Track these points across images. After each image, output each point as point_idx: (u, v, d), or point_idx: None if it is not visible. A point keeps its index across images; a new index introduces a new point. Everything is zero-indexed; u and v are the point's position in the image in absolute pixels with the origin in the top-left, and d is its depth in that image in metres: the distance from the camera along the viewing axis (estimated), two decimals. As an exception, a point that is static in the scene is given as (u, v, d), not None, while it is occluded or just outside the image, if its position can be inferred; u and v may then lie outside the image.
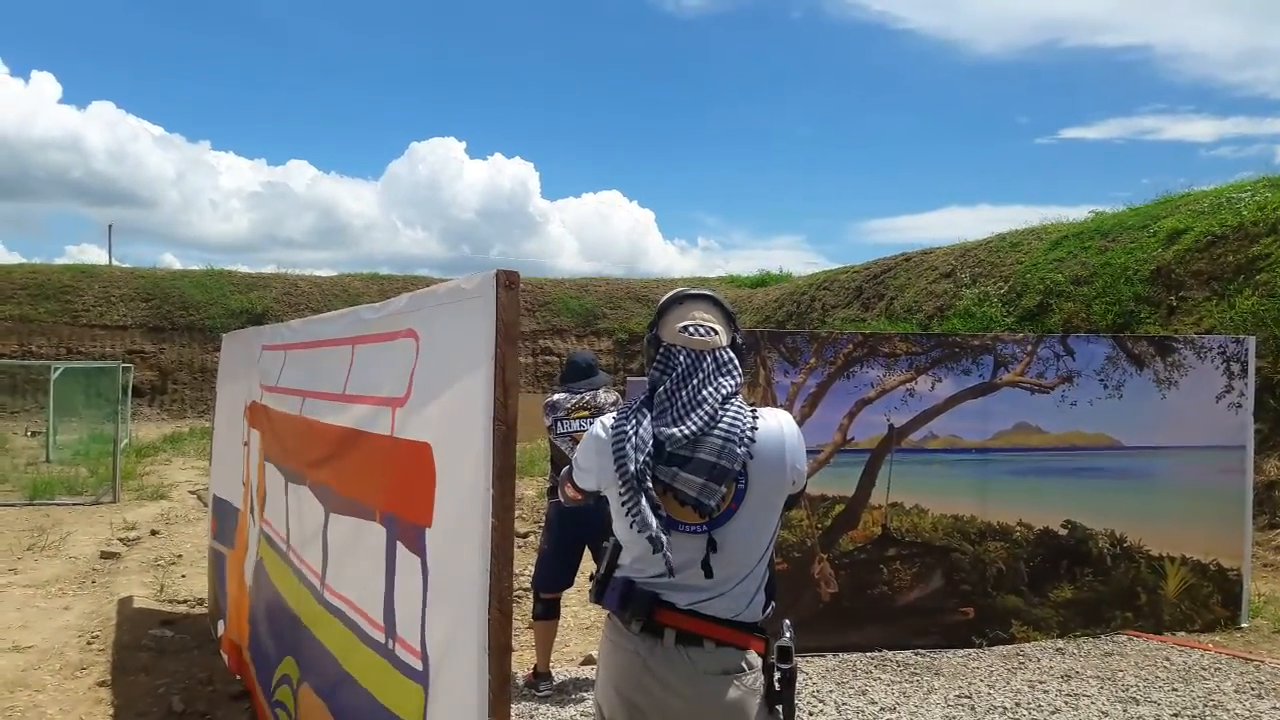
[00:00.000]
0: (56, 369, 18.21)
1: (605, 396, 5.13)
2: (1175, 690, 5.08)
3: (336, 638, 2.97)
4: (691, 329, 2.24)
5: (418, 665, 2.32)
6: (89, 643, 5.93)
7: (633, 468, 2.11)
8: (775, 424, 2.22)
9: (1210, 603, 6.27)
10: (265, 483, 4.44)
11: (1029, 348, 6.13)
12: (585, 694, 4.93)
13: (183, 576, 7.82)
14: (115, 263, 35.53)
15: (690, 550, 2.13)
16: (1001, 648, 5.81)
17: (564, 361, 5.47)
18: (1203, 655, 5.69)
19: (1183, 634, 6.11)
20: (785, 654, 2.16)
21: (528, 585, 5.35)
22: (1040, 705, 4.88)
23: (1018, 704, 4.89)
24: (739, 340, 2.31)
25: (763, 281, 32.51)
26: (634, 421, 2.18)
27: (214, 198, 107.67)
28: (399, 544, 2.47)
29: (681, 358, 2.22)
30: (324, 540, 3.24)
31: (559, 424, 5.05)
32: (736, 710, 2.12)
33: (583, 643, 5.92)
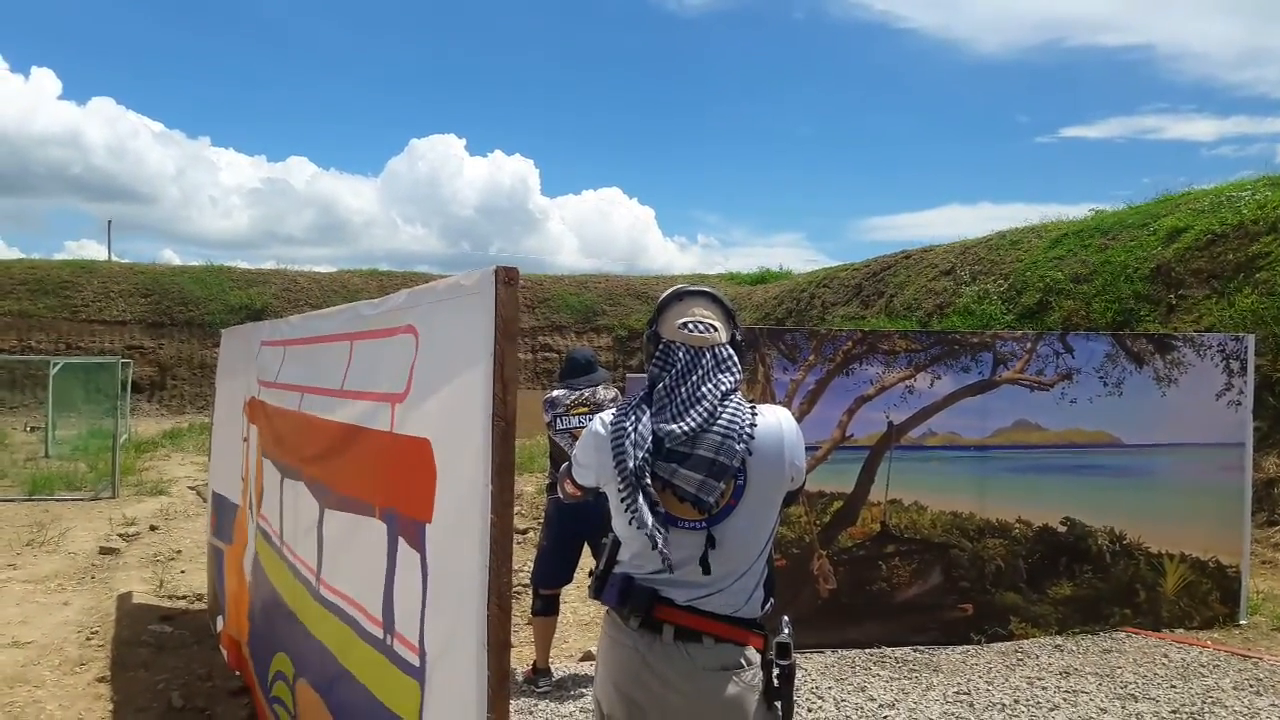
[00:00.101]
0: (56, 364, 18.20)
1: (604, 393, 5.13)
2: (1174, 687, 5.09)
3: (333, 633, 2.97)
4: (691, 326, 2.24)
5: (415, 661, 2.32)
6: (88, 638, 5.93)
7: (632, 464, 2.11)
8: (774, 421, 2.22)
9: (1209, 600, 6.28)
10: (262, 478, 4.44)
11: (1028, 345, 6.13)
12: (584, 690, 4.94)
13: (182, 572, 7.83)
14: (115, 258, 35.53)
15: (689, 546, 2.13)
16: (1000, 644, 5.82)
17: (563, 358, 5.47)
18: (1201, 652, 5.70)
19: (1181, 631, 6.12)
20: (784, 650, 2.16)
21: (527, 581, 5.36)
22: (1039, 702, 4.88)
23: (1016, 701, 4.89)
24: (738, 337, 2.31)
25: (762, 279, 32.51)
26: (633, 418, 2.18)
27: (214, 194, 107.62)
28: (400, 540, 2.47)
29: (681, 354, 2.22)
30: (319, 536, 3.24)
31: (558, 420, 5.05)
32: (735, 706, 2.12)
33: (582, 639, 5.93)
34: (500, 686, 1.99)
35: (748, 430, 2.15)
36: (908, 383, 5.90)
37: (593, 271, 37.20)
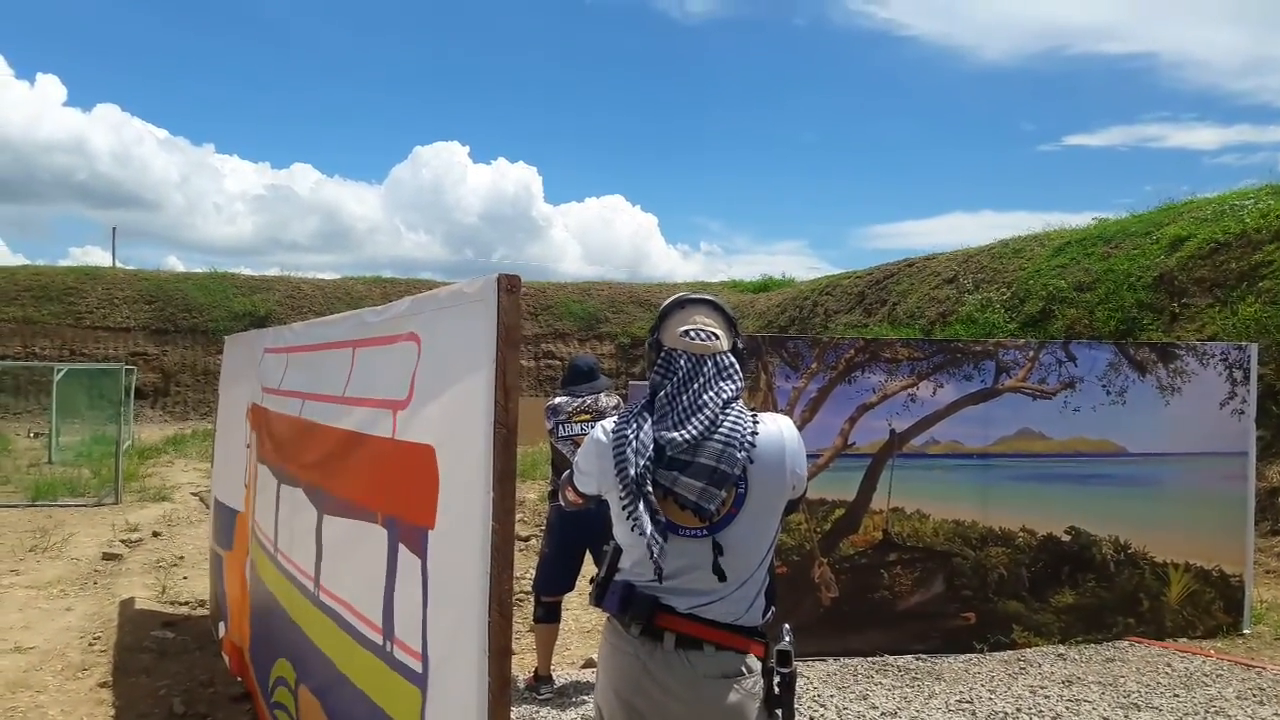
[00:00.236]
0: (59, 370, 18.23)
1: (607, 400, 5.14)
2: (1177, 696, 5.07)
3: (332, 639, 2.97)
4: (693, 333, 2.24)
5: (417, 667, 2.32)
6: (90, 644, 5.94)
7: (633, 472, 2.11)
8: (775, 429, 2.22)
9: (1212, 609, 6.26)
10: (258, 484, 4.46)
11: (1031, 353, 6.13)
12: (586, 697, 4.93)
13: (184, 578, 7.83)
14: (119, 265, 35.63)
15: (690, 554, 2.14)
16: (1003, 653, 5.81)
17: (566, 365, 5.48)
18: (1204, 661, 5.68)
19: (1184, 640, 6.10)
20: (785, 658, 2.16)
21: (529, 588, 5.36)
22: (1041, 710, 4.87)
23: (1019, 709, 4.88)
24: (740, 345, 2.32)
25: (765, 286, 32.53)
26: (635, 426, 2.18)
27: (218, 201, 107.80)
28: (401, 546, 2.47)
29: (682, 362, 2.23)
30: (318, 542, 3.25)
31: (560, 427, 5.06)
32: (736, 714, 2.12)
33: (584, 646, 5.92)
34: (501, 693, 1.99)
35: (749, 438, 2.15)
36: (910, 391, 5.90)
37: (595, 279, 37.33)
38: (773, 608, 2.24)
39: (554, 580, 5.06)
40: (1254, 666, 5.59)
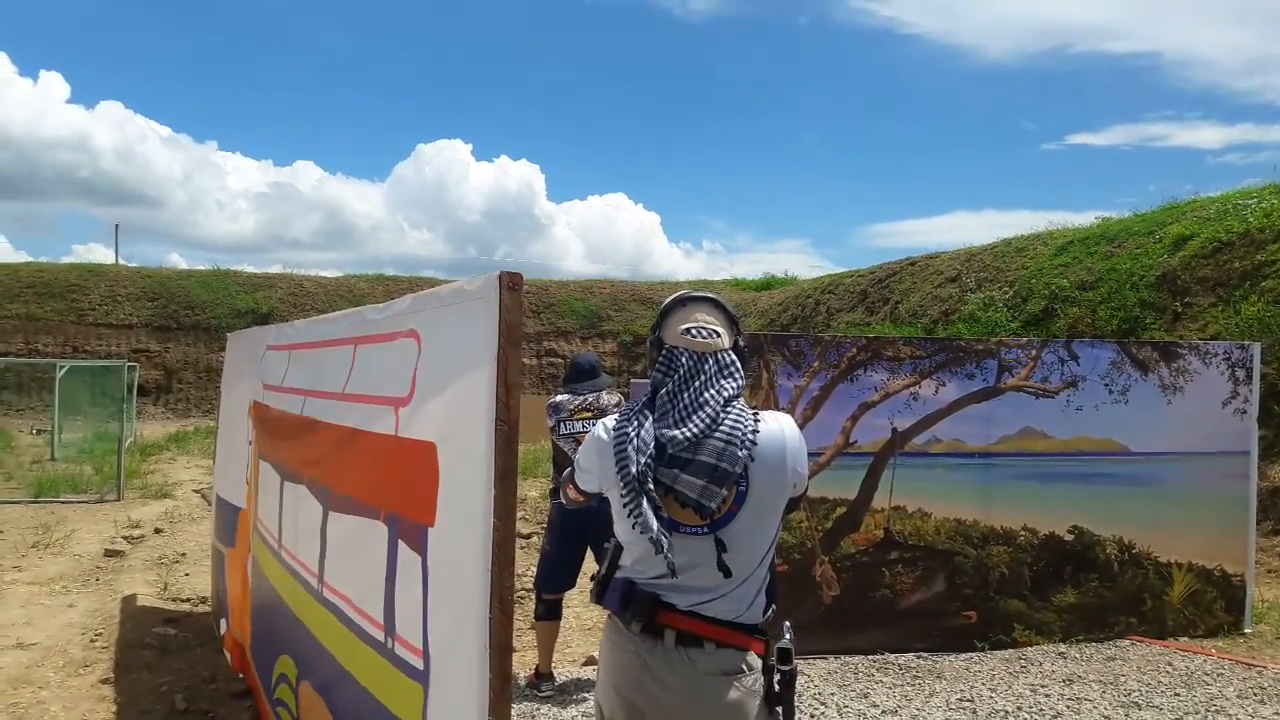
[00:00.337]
0: (62, 367, 18.25)
1: (608, 398, 5.14)
2: (1178, 695, 5.07)
3: (334, 635, 2.97)
4: (694, 331, 2.25)
5: (418, 664, 2.32)
6: (92, 640, 5.95)
7: (634, 469, 2.12)
8: (776, 427, 2.23)
9: (1214, 608, 6.26)
10: (260, 480, 4.46)
11: (1033, 352, 6.13)
12: (587, 695, 4.94)
13: (186, 575, 7.84)
14: (122, 262, 35.60)
15: (692, 552, 2.14)
16: (1003, 651, 5.81)
17: (568, 363, 5.48)
18: (1205, 660, 5.68)
19: (1186, 639, 6.10)
20: (785, 655, 2.17)
21: (530, 586, 5.36)
22: (1042, 709, 4.87)
23: (1019, 708, 4.88)
24: (741, 343, 2.32)
25: (767, 285, 32.50)
26: (636, 423, 2.18)
27: (220, 198, 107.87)
28: (401, 543, 2.47)
29: (684, 360, 2.23)
30: (322, 538, 3.25)
31: (562, 425, 5.06)
32: (736, 711, 2.12)
33: (585, 644, 5.93)
34: (502, 690, 1.99)
35: (750, 436, 2.15)
36: (912, 389, 5.89)
37: (598, 277, 37.26)
38: (773, 605, 2.24)
39: (555, 578, 5.06)
40: (1255, 665, 5.59)
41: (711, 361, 2.23)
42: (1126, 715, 4.81)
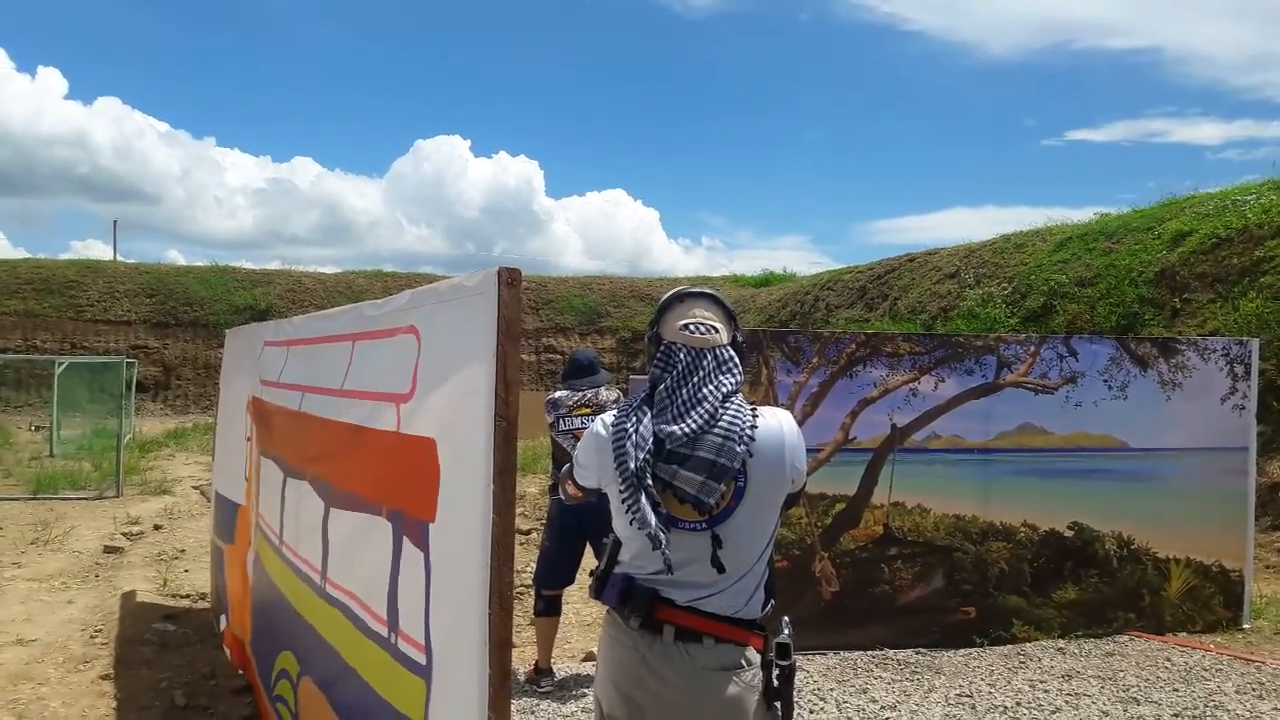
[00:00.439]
0: (61, 364, 18.25)
1: (607, 394, 5.14)
2: (1176, 691, 5.08)
3: (338, 631, 2.97)
4: (692, 327, 2.24)
5: (421, 659, 2.32)
6: (92, 636, 5.95)
7: (633, 465, 2.12)
8: (775, 423, 2.23)
9: (1212, 604, 6.27)
10: (262, 477, 4.46)
11: (1032, 348, 6.13)
12: (586, 690, 4.94)
13: (185, 571, 7.85)
14: (120, 258, 35.61)
15: (690, 547, 2.14)
16: (1002, 647, 5.81)
17: (566, 359, 5.48)
18: (1204, 656, 5.69)
19: (1184, 635, 6.11)
20: (784, 650, 2.17)
21: (529, 582, 5.36)
22: (1041, 704, 4.88)
23: (1018, 703, 4.89)
24: (739, 339, 2.32)
25: (767, 281, 32.51)
26: (634, 419, 2.18)
27: (219, 194, 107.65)
28: (404, 539, 2.48)
29: (682, 355, 2.23)
30: (324, 534, 3.25)
31: (561, 421, 5.06)
32: (735, 706, 2.12)
33: (584, 639, 5.93)
34: (502, 686, 1.99)
35: (748, 432, 2.15)
36: (911, 386, 5.90)
37: (597, 273, 37.25)
38: (772, 601, 2.25)
39: (554, 574, 5.07)
40: (1253, 661, 5.60)
41: (710, 357, 2.23)
42: (1125, 711, 4.81)
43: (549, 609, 5.10)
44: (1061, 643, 5.91)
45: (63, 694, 4.96)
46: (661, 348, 2.26)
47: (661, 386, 2.22)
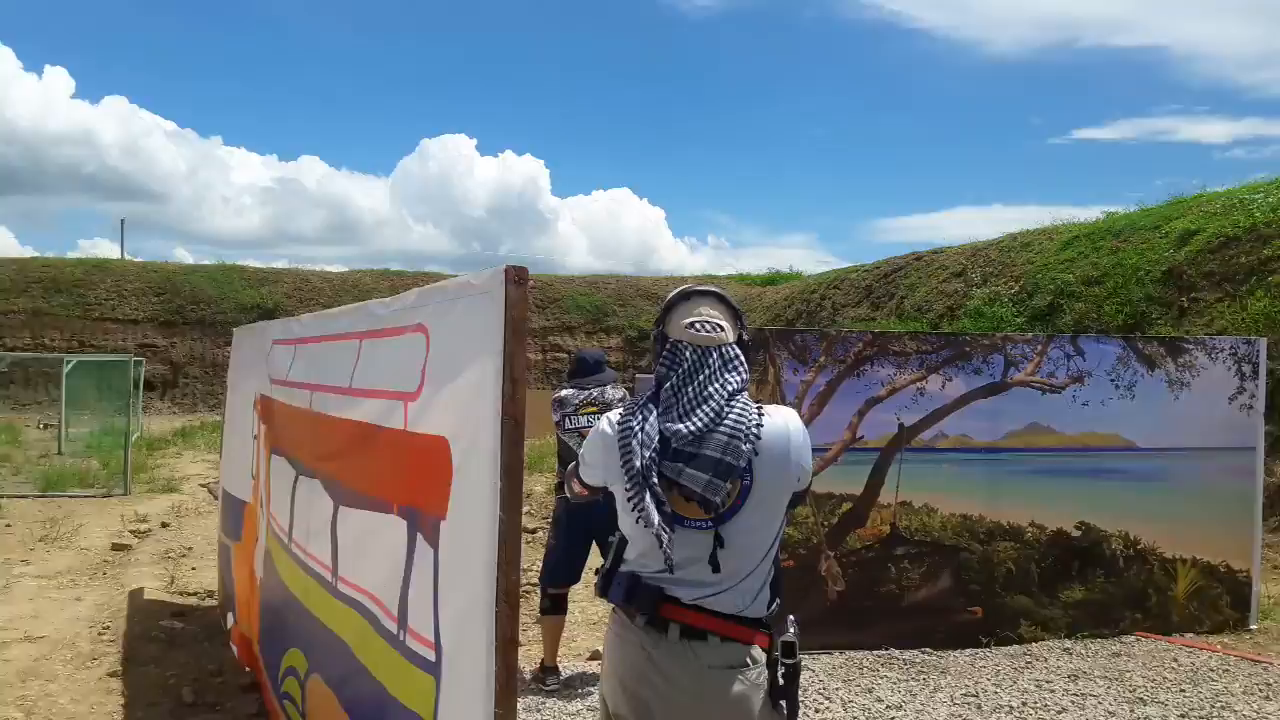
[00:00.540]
0: (68, 362, 18.28)
1: (613, 393, 5.15)
2: (1183, 691, 5.07)
3: (351, 628, 2.98)
4: (698, 325, 2.24)
5: (431, 656, 2.33)
6: (100, 633, 5.97)
7: (638, 463, 2.12)
8: (781, 421, 2.23)
9: (1219, 604, 6.25)
10: (271, 475, 4.47)
11: (1039, 348, 6.12)
12: (592, 689, 4.94)
13: (193, 569, 7.87)
14: (127, 257, 35.69)
15: (695, 545, 2.14)
16: (1009, 647, 5.80)
17: (572, 358, 5.49)
18: (1211, 656, 5.67)
19: (1191, 635, 6.09)
20: (789, 649, 2.17)
21: (535, 581, 5.37)
22: (1047, 705, 4.87)
23: (1024, 703, 4.88)
24: (745, 337, 2.32)
25: (773, 280, 32.49)
26: (640, 417, 2.18)
27: (226, 193, 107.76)
28: (418, 536, 2.48)
29: (688, 354, 2.23)
30: (333, 532, 3.26)
31: (567, 420, 5.06)
32: (740, 704, 2.13)
33: (590, 638, 5.94)
34: (508, 683, 2.00)
35: (754, 430, 2.15)
36: (919, 385, 5.89)
37: (603, 272, 37.24)
38: (778, 600, 2.25)
39: (560, 572, 5.07)
40: (1260, 661, 5.59)
41: (716, 355, 2.23)
42: (1131, 711, 4.80)
43: (555, 607, 5.11)
44: (1068, 643, 5.90)
45: (71, 691, 4.98)
46: (667, 346, 2.26)
47: (667, 385, 2.22)
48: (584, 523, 4.87)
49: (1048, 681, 5.22)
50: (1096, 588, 6.06)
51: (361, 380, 3.11)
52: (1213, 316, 12.00)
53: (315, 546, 3.48)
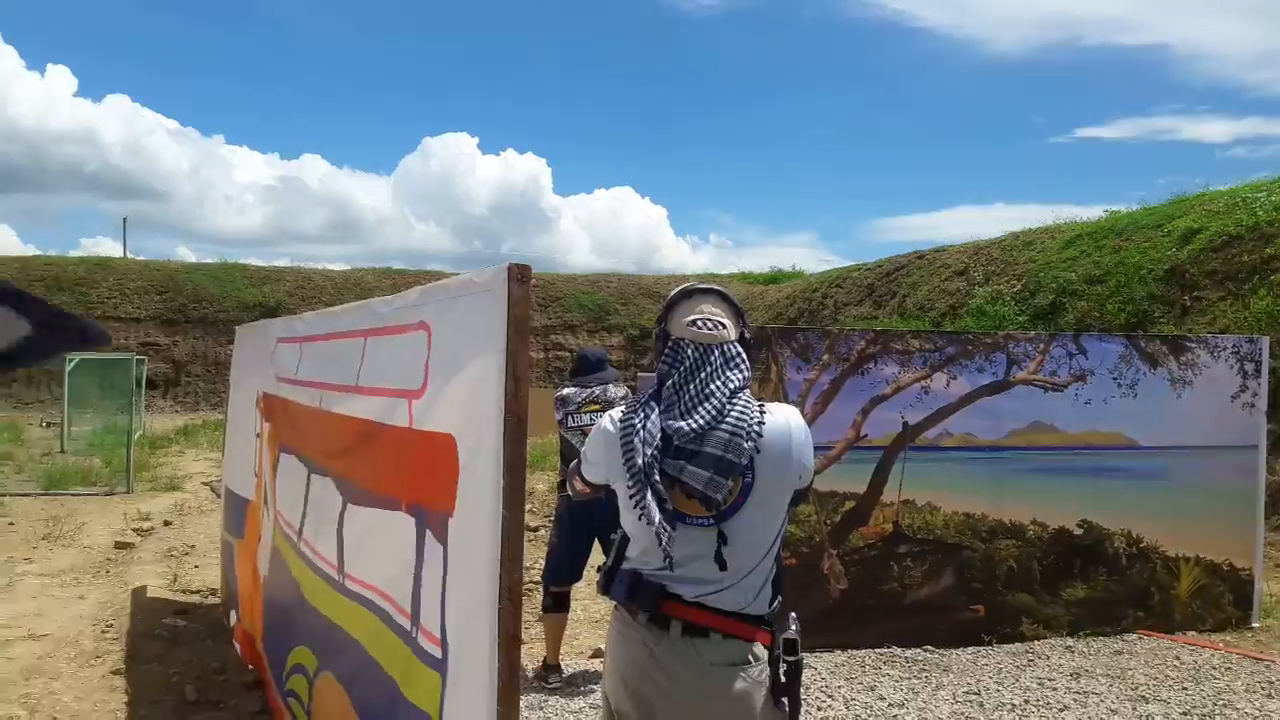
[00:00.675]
0: (71, 360, 18.29)
1: (615, 391, 5.15)
2: (1185, 689, 5.07)
3: (362, 625, 2.98)
4: (700, 323, 2.25)
5: (437, 653, 2.34)
6: (103, 631, 5.98)
7: (640, 461, 2.12)
8: (783, 419, 2.23)
9: (1221, 602, 6.25)
10: (278, 473, 4.47)
11: (1041, 346, 6.11)
12: (594, 687, 4.95)
13: (196, 567, 7.88)
14: (130, 255, 35.70)
15: (697, 543, 2.15)
16: (1011, 645, 5.80)
17: (574, 356, 5.49)
18: (1213, 654, 5.68)
19: (1193, 633, 6.09)
20: (791, 646, 2.18)
21: (538, 579, 5.37)
22: (1049, 703, 4.87)
23: (1026, 701, 4.89)
24: (747, 335, 2.32)
25: (775, 279, 32.46)
26: (642, 415, 2.19)
27: (228, 191, 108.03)
28: (427, 532, 2.49)
29: (689, 352, 2.23)
30: (340, 530, 3.27)
31: (569, 418, 5.07)
32: (742, 701, 2.13)
33: (592, 636, 5.94)
34: (510, 681, 2.01)
35: (756, 428, 2.16)
36: (923, 383, 5.88)
37: (605, 270, 37.24)
38: (780, 597, 2.25)
39: (562, 570, 5.08)
40: (1263, 660, 5.59)
41: (717, 353, 2.24)
42: (1134, 709, 4.81)
43: (557, 605, 5.11)
44: (1070, 641, 5.90)
45: (74, 688, 4.99)
46: (669, 344, 2.27)
47: (669, 382, 2.23)
48: (586, 520, 4.87)
49: (1050, 679, 5.23)
50: (1099, 586, 6.06)
51: (367, 378, 3.12)
52: (1215, 315, 11.99)
53: (325, 544, 3.49)
